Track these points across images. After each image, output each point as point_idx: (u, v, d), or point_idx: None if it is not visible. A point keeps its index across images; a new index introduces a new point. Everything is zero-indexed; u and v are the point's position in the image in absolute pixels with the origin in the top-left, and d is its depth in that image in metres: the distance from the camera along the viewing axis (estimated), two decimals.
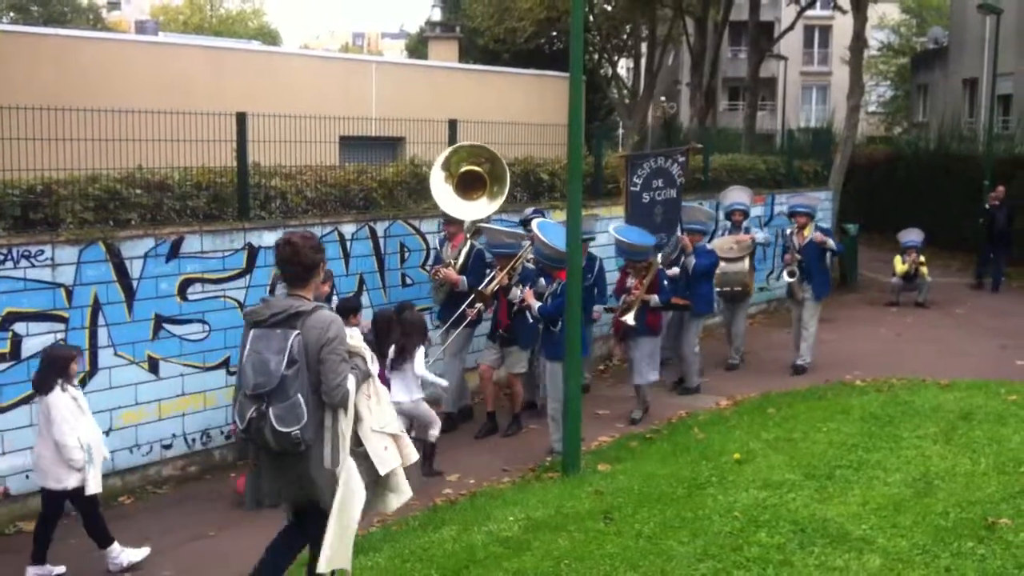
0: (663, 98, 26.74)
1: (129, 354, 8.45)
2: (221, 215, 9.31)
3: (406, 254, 10.92)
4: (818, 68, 54.16)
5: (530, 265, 10.06)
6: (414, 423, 8.57)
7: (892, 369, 12.07)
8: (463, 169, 10.29)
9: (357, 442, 5.12)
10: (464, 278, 10.12)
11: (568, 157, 8.24)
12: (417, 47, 43.06)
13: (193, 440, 8.97)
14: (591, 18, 29.86)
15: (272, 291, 9.10)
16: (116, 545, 6.91)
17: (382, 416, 5.23)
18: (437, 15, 36.47)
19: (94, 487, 6.73)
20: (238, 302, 9.23)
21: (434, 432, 8.71)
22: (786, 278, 12.54)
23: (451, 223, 10.35)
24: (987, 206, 19.60)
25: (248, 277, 9.34)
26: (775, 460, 7.96)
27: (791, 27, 27.40)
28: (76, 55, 16.87)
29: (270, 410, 4.79)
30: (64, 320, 8.02)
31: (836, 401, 10.24)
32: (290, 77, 19.28)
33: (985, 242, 19.66)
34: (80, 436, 6.65)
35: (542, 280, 9.64)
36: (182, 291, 8.84)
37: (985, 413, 9.28)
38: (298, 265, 5.06)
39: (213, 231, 9.07)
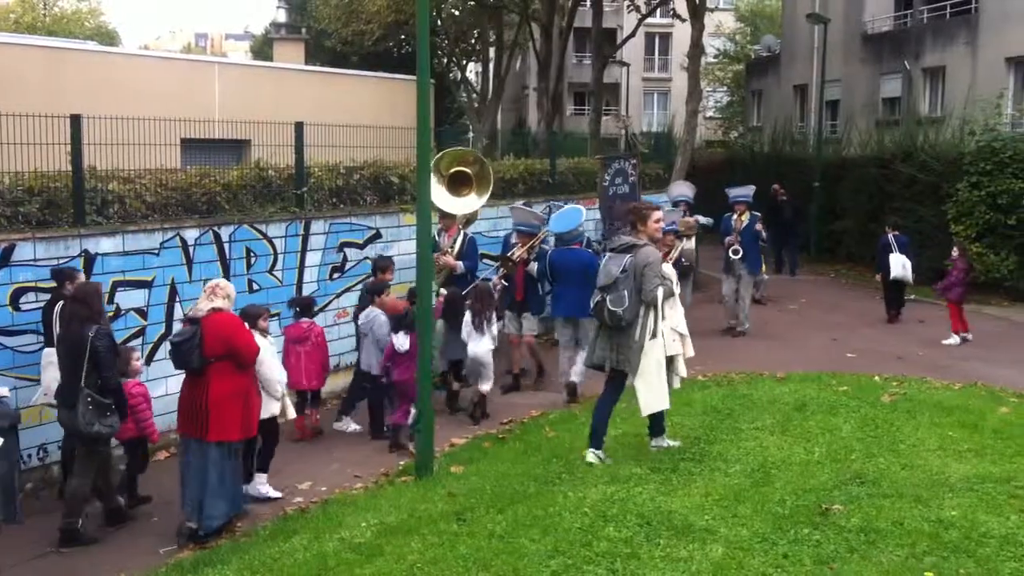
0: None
1: None
2: (55, 221, 8.96)
3: (252, 259, 10.73)
4: (659, 74, 55.59)
5: (545, 247, 11.79)
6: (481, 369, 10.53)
7: (732, 363, 12.53)
8: (453, 170, 11.11)
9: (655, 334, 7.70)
10: (461, 263, 11.88)
11: (417, 160, 8.25)
12: (262, 49, 42.25)
13: (29, 456, 8.59)
14: (439, 22, 29.92)
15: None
16: (266, 476, 8.45)
17: (676, 318, 8.10)
18: (282, 16, 35.69)
19: (292, 412, 8.80)
20: None
21: (485, 387, 10.58)
22: (731, 255, 14.95)
23: (445, 216, 11.73)
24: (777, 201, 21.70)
25: None
26: (622, 455, 8.15)
27: (632, 34, 28.14)
28: None
29: (607, 298, 7.61)
30: None
31: (679, 395, 10.45)
32: (130, 78, 18.55)
33: (773, 233, 21.56)
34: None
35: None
36: (14, 301, 8.47)
37: (818, 404, 9.73)
38: (634, 218, 7.94)
39: (47, 238, 8.72)
